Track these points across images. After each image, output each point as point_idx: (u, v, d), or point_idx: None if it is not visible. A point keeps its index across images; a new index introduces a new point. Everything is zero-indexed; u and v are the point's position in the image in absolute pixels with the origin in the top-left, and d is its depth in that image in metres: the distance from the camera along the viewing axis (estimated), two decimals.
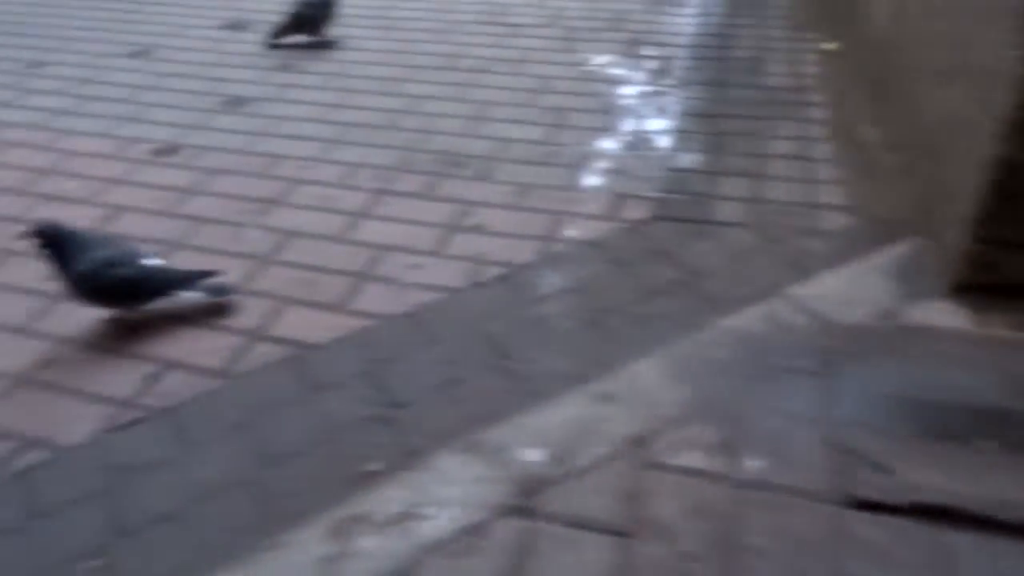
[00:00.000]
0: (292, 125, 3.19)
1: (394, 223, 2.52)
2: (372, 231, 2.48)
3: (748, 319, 1.91)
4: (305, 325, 2.08)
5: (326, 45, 3.93)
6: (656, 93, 3.36)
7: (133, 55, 3.98)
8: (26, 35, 4.27)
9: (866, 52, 3.23)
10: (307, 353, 2.00)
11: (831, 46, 3.59)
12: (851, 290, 2.01)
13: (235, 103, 3.40)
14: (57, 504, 1.62)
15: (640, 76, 3.52)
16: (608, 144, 2.95)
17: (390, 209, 2.60)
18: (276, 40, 3.94)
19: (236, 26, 4.36)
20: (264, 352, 2.00)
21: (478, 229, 2.46)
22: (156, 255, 2.13)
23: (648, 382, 1.76)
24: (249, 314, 2.12)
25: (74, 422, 1.81)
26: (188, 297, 2.10)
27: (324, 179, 2.79)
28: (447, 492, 1.53)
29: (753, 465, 1.54)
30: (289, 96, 3.46)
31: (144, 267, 2.03)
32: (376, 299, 2.17)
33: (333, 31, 3.99)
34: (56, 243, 1.94)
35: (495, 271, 2.26)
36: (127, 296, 2.03)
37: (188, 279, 2.08)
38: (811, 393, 1.73)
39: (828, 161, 2.71)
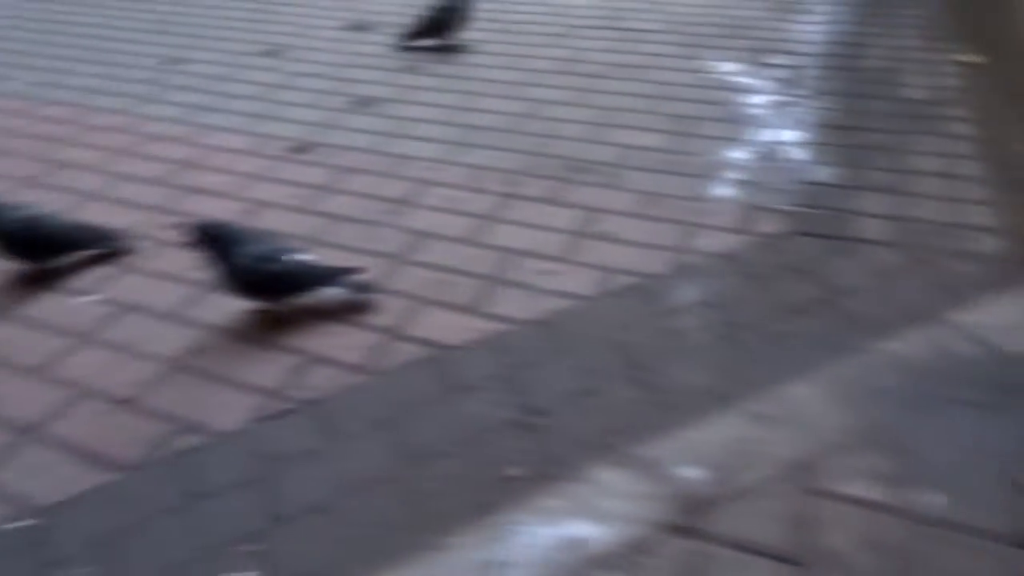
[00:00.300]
0: (419, 126, 3.25)
1: (523, 227, 2.54)
2: (502, 235, 2.51)
3: (910, 345, 1.84)
4: (441, 326, 2.12)
5: (454, 49, 3.99)
6: (786, 103, 3.28)
7: (265, 54, 4.13)
8: (167, 33, 4.49)
9: (1017, 67, 3.07)
10: (444, 354, 2.03)
11: (974, 59, 3.42)
12: (1021, 318, 1.91)
13: (363, 103, 3.49)
14: (215, 487, 1.70)
15: (768, 85, 3.44)
16: (737, 154, 2.90)
17: (518, 213, 2.62)
18: (409, 42, 4.03)
19: (359, 27, 4.47)
20: (403, 351, 2.05)
21: (607, 237, 2.46)
22: (304, 251, 2.21)
23: (807, 405, 1.72)
24: (387, 312, 2.18)
25: (227, 409, 1.89)
26: (331, 293, 2.17)
27: (452, 181, 2.83)
28: (607, 505, 1.53)
29: (930, 500, 1.48)
30: (414, 98, 3.53)
31: (295, 262, 2.10)
32: (509, 303, 2.19)
33: (461, 35, 4.04)
34: (216, 237, 2.04)
35: (627, 280, 2.25)
36: (276, 290, 2.11)
37: (333, 275, 2.15)
38: (986, 427, 1.65)
39: (977, 180, 2.59)
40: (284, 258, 2.09)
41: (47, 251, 2.36)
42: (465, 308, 2.19)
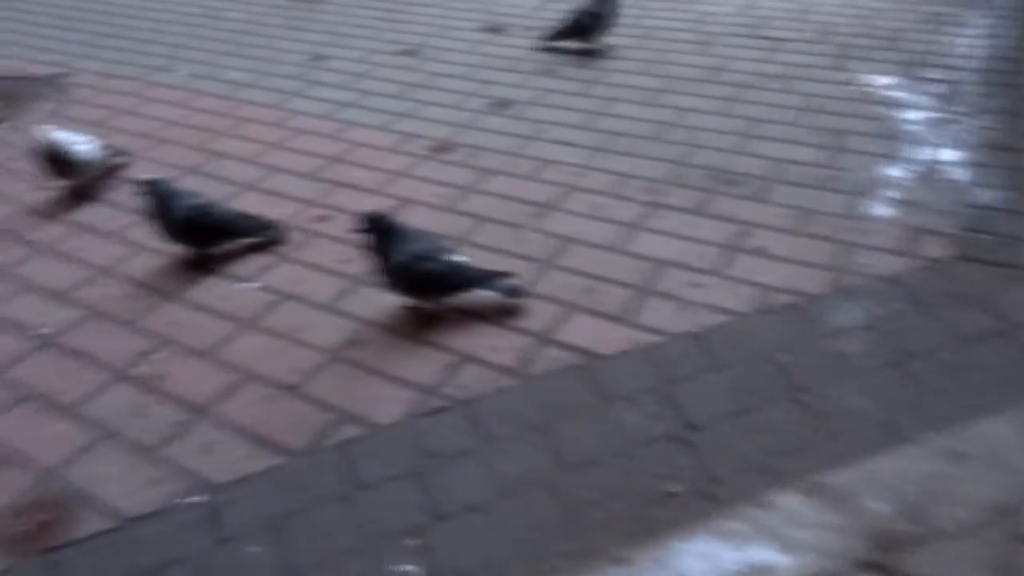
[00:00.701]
0: (558, 130, 3.25)
1: (669, 238, 2.50)
2: (648, 244, 2.47)
3: None
4: (592, 334, 2.11)
5: (594, 53, 3.97)
6: (944, 120, 3.11)
7: (402, 53, 4.22)
8: (308, 31, 4.65)
9: None
10: (595, 362, 2.02)
11: None
12: None
13: (501, 105, 3.52)
14: (376, 479, 1.74)
15: (925, 100, 3.28)
16: (895, 172, 2.77)
17: (664, 223, 2.58)
18: (551, 43, 4.04)
19: (493, 29, 4.52)
20: (554, 356, 2.04)
21: (760, 252, 2.39)
22: (458, 252, 2.24)
23: (1005, 445, 1.62)
24: (537, 317, 2.18)
25: (384, 403, 1.94)
26: (484, 295, 2.19)
27: (595, 187, 2.81)
28: (795, 534, 1.48)
29: None
30: (552, 101, 3.53)
31: (452, 263, 2.13)
32: (660, 315, 2.16)
33: (605, 40, 4.01)
34: (383, 230, 2.08)
35: (783, 299, 2.18)
36: (433, 289, 2.15)
37: (487, 278, 2.16)
38: None
39: None
40: (442, 258, 2.12)
41: (214, 238, 2.48)
42: (615, 317, 2.17)
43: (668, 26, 4.32)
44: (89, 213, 2.85)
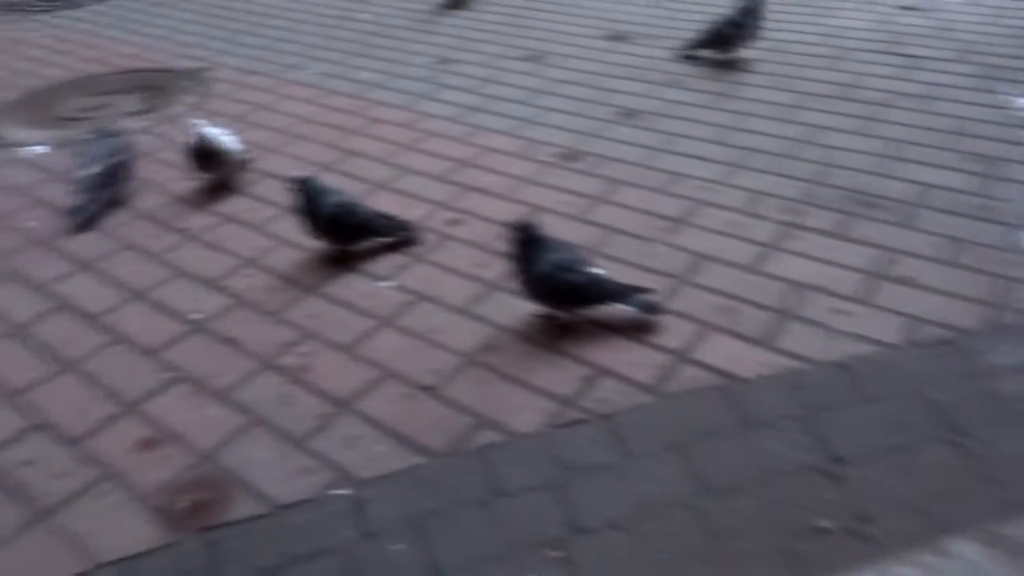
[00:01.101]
0: (688, 143, 3.21)
1: (809, 260, 2.43)
2: (786, 266, 2.41)
3: None
4: (731, 355, 2.07)
5: (731, 64, 3.90)
6: None
7: (526, 59, 4.25)
8: (434, 33, 4.74)
9: None
10: (735, 385, 1.98)
11: None
12: None
13: (627, 115, 3.50)
14: (516, 487, 1.75)
15: None
16: None
17: (802, 245, 2.51)
18: (691, 53, 4.01)
19: (616, 37, 4.50)
20: (692, 376, 2.02)
21: (907, 281, 2.30)
22: (597, 264, 2.23)
23: None
24: (674, 334, 2.15)
25: (522, 411, 1.95)
26: (621, 309, 2.18)
27: (728, 204, 2.76)
28: None
29: None
30: (681, 113, 3.49)
31: (592, 275, 2.13)
32: (803, 341, 2.10)
33: (741, 52, 3.95)
34: (528, 239, 2.10)
35: (935, 332, 2.09)
36: (573, 300, 2.15)
37: (625, 292, 2.15)
38: None
39: None
40: (583, 269, 2.12)
41: (356, 236, 2.55)
42: (754, 340, 2.12)
43: (800, 39, 4.21)
44: (233, 205, 2.98)
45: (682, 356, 2.08)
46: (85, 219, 2.85)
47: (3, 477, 1.86)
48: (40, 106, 4.04)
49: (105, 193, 2.94)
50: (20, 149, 3.56)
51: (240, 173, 3.11)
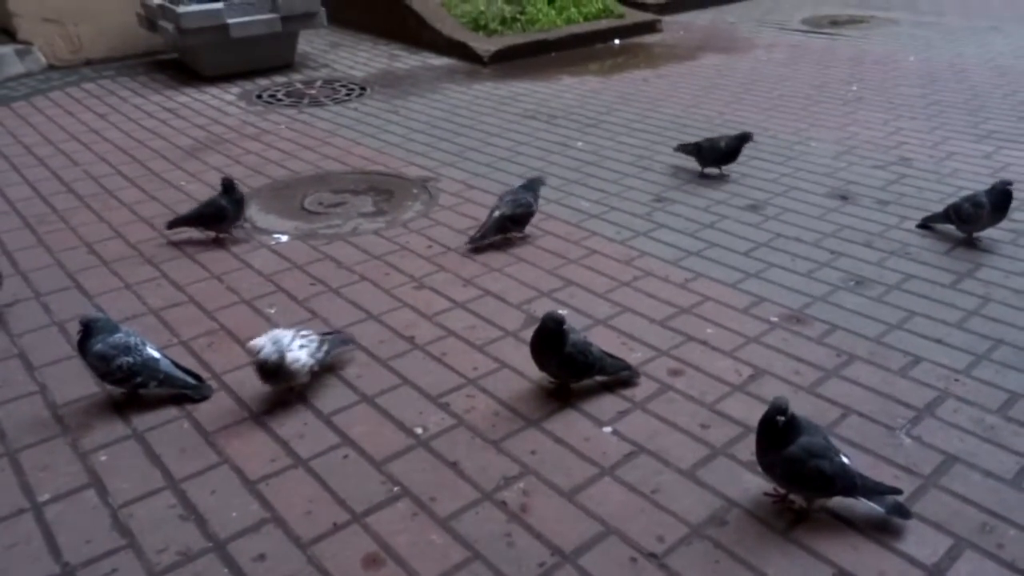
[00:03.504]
0: (925, 323, 3.02)
1: None
2: None
3: None
4: None
5: (975, 243, 3.70)
6: None
7: (746, 208, 4.20)
8: (652, 171, 4.81)
9: None
10: None
11: None
12: None
13: (858, 283, 3.36)
14: None
15: None
16: None
17: None
18: (927, 223, 3.84)
19: (842, 196, 4.38)
20: None
21: None
22: (844, 453, 2.09)
23: None
24: (925, 545, 1.97)
25: None
26: (867, 506, 2.01)
27: (976, 400, 2.55)
28: None
29: None
30: (915, 288, 3.30)
31: (842, 465, 2.00)
32: None
33: (989, 232, 3.74)
34: (789, 422, 1.99)
35: None
36: (818, 488, 2.02)
37: (875, 490, 2.00)
38: None
39: None
40: (835, 458, 1.99)
41: (586, 373, 2.54)
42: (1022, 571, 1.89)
43: None
44: (454, 320, 3.07)
45: (938, 574, 1.88)
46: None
47: (233, 567, 1.93)
48: (285, 196, 4.43)
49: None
50: (266, 236, 3.88)
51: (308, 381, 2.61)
